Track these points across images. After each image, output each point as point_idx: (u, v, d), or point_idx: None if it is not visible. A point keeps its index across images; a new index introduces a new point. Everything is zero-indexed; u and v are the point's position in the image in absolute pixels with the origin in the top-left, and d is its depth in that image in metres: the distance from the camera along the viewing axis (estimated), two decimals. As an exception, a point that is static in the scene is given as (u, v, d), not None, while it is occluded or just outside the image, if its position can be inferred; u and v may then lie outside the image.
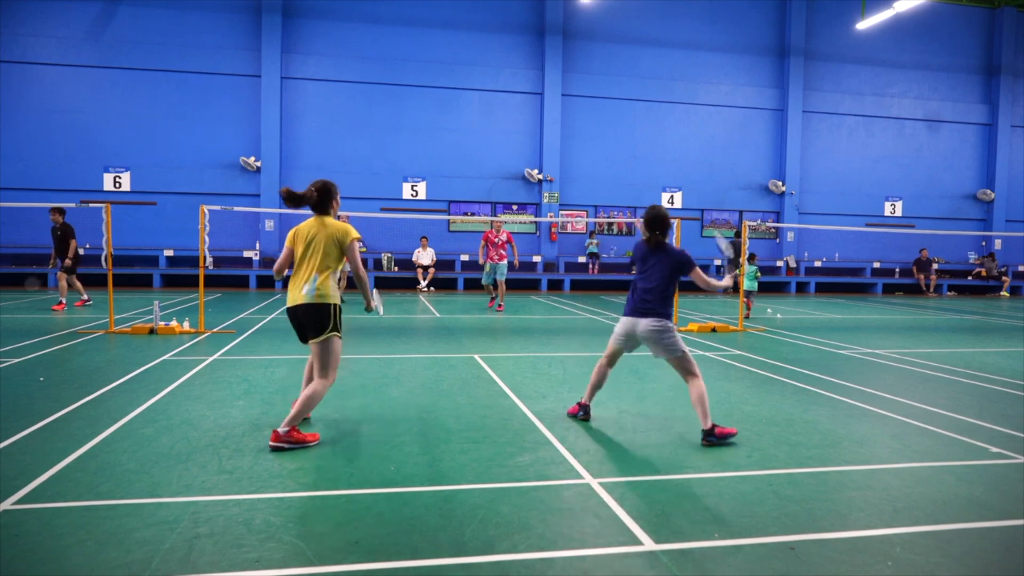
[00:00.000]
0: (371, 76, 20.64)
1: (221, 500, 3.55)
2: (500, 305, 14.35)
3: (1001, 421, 5.50)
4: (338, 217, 5.00)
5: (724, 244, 5.91)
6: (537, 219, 20.41)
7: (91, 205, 10.71)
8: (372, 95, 20.75)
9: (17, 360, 7.41)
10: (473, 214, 21.35)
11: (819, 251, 23.62)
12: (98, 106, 19.40)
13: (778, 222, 23.03)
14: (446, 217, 20.69)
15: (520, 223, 21.92)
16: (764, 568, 2.94)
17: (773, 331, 11.47)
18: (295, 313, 4.70)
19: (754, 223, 22.72)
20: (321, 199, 4.80)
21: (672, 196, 22.65)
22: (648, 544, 3.13)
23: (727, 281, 5.21)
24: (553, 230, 21.95)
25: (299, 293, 4.67)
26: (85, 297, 13.44)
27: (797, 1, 22.61)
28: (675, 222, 12.06)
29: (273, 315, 12.58)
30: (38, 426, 4.86)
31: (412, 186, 21.14)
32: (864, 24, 20.22)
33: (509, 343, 9.69)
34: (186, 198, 19.65)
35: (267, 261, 20.13)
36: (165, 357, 7.79)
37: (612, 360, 5.27)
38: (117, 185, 19.64)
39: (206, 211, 10.52)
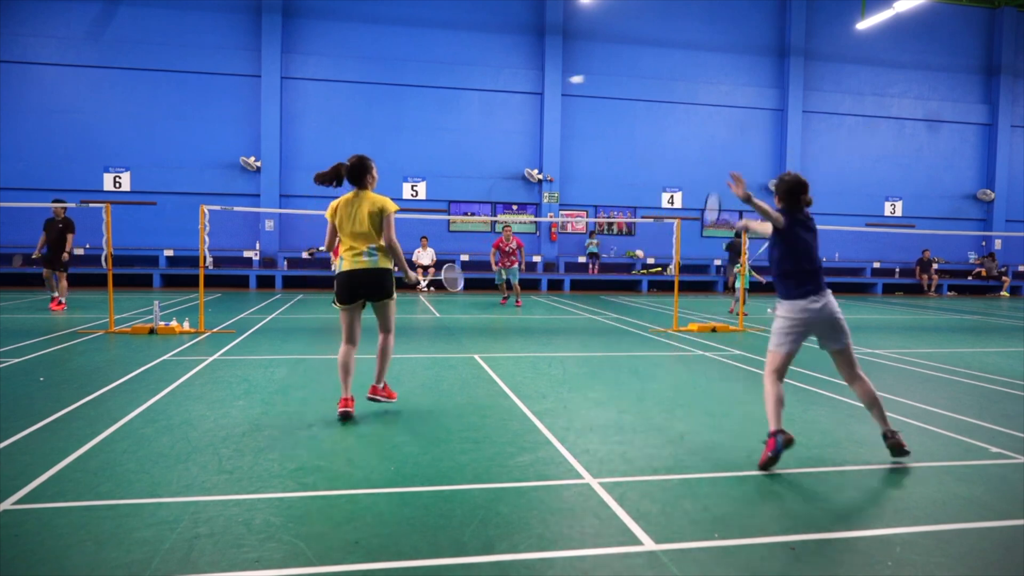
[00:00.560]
0: (371, 76, 20.64)
1: (221, 500, 3.55)
2: (518, 301, 15.29)
3: (1001, 421, 5.50)
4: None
5: (713, 202, 5.43)
6: (537, 219, 20.42)
7: (91, 205, 10.72)
8: (372, 95, 20.76)
9: (17, 360, 7.41)
10: (473, 214, 21.35)
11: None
12: (98, 106, 19.40)
13: (778, 222, 23.00)
14: (446, 217, 20.70)
15: (520, 223, 21.91)
16: (764, 568, 2.94)
17: (773, 331, 11.45)
18: (355, 276, 5.10)
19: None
20: (358, 173, 5.10)
21: (672, 196, 22.65)
22: (648, 544, 3.13)
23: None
24: (553, 230, 21.96)
25: (360, 259, 5.09)
26: (62, 298, 12.80)
27: (797, 1, 22.62)
28: (675, 222, 12.06)
29: (273, 315, 12.58)
30: (38, 426, 4.86)
31: (412, 186, 21.14)
32: (864, 24, 20.23)
33: (509, 343, 9.69)
34: (186, 198, 19.65)
35: (267, 261, 20.14)
36: (165, 357, 7.79)
37: (786, 370, 4.43)
38: (117, 185, 19.64)
39: (206, 211, 10.52)
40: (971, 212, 24.53)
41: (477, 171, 21.45)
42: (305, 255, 19.78)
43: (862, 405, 4.45)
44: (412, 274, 5.51)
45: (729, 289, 21.36)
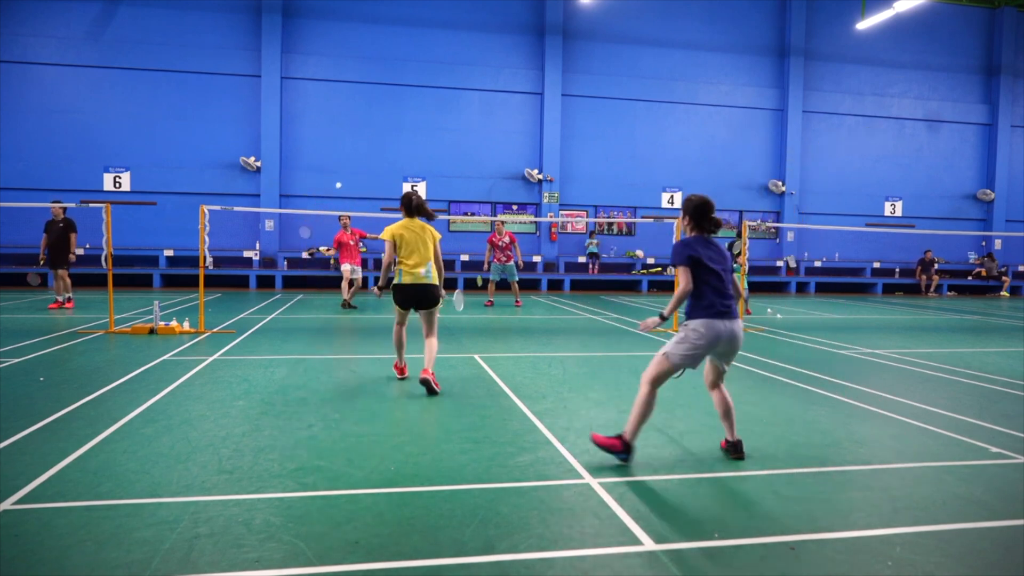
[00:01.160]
0: (371, 76, 20.64)
1: (221, 500, 3.55)
2: (518, 301, 15.29)
3: (1001, 421, 5.50)
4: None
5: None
6: (537, 219, 20.41)
7: (91, 205, 10.71)
8: (372, 95, 20.75)
9: (17, 360, 7.41)
10: (473, 214, 21.35)
11: (819, 251, 23.62)
12: (98, 106, 19.40)
13: (778, 222, 23.03)
14: (446, 217, 20.68)
15: (520, 223, 21.91)
16: (764, 568, 2.94)
17: (773, 331, 11.47)
18: (415, 289, 6.40)
19: (754, 223, 22.72)
20: (425, 211, 6.54)
21: (672, 196, 22.65)
22: (648, 544, 3.13)
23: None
24: (553, 230, 21.95)
25: (419, 274, 6.38)
26: (69, 296, 13.01)
27: (797, 1, 22.61)
28: (675, 222, 12.06)
29: (273, 315, 12.58)
30: (38, 426, 4.86)
31: (412, 186, 21.13)
32: (864, 24, 20.22)
33: (509, 343, 9.69)
34: (186, 198, 19.65)
35: (267, 261, 20.14)
36: (165, 357, 7.79)
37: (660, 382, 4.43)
38: (117, 185, 19.64)
39: (206, 211, 10.52)
40: (971, 212, 24.53)
41: (477, 171, 21.45)
42: (305, 255, 19.80)
43: (718, 411, 4.55)
44: (443, 291, 6.64)
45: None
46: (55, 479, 3.81)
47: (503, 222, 15.18)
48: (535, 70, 21.44)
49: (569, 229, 22.29)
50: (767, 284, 22.42)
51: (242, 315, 12.39)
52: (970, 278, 23.85)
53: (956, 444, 4.85)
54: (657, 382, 4.34)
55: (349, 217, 14.17)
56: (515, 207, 21.74)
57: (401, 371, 6.89)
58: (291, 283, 20.04)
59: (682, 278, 4.35)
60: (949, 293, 23.34)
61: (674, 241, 11.78)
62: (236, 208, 12.76)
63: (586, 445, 4.64)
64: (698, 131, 22.67)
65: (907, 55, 23.76)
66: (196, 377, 6.73)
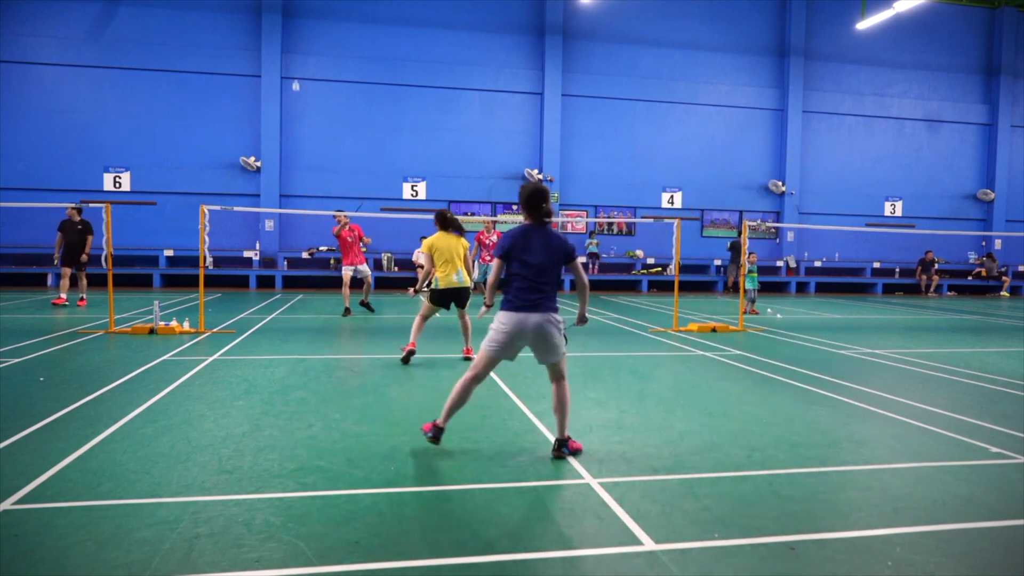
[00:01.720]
0: (371, 76, 20.64)
1: (221, 500, 3.55)
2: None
3: (1001, 421, 5.50)
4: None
5: None
6: (537, 219, 20.36)
7: (91, 205, 10.72)
8: (372, 95, 20.75)
9: (17, 360, 7.41)
10: (473, 214, 21.35)
11: (819, 251, 23.62)
12: (98, 106, 19.40)
13: (778, 222, 23.03)
14: (446, 217, 20.67)
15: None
16: (764, 568, 2.94)
17: (773, 331, 11.47)
18: (451, 292, 7.63)
19: (754, 223, 22.72)
20: (457, 226, 7.73)
21: (672, 196, 22.65)
22: (648, 544, 3.13)
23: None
24: (553, 230, 21.93)
25: (452, 280, 7.59)
26: (82, 296, 13.61)
27: (797, 1, 22.61)
28: (675, 222, 12.06)
29: (273, 315, 12.58)
30: (38, 426, 4.86)
31: (412, 186, 21.15)
32: (864, 24, 20.22)
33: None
34: (186, 198, 19.65)
35: (267, 261, 20.14)
36: (165, 357, 7.79)
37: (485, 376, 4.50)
38: (117, 185, 19.64)
39: (206, 211, 10.52)
40: (971, 212, 24.53)
41: (477, 171, 21.45)
42: (305, 255, 19.80)
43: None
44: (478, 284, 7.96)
45: (729, 289, 21.41)
46: (55, 479, 3.81)
47: (495, 222, 15.12)
48: (535, 70, 21.44)
49: (569, 229, 22.29)
50: (767, 284, 22.41)
51: (242, 315, 12.39)
52: (970, 278, 23.86)
53: (956, 444, 4.85)
54: (476, 373, 4.42)
55: (348, 217, 14.11)
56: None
57: (411, 347, 7.71)
58: (291, 283, 20.04)
59: (493, 270, 4.59)
60: (949, 293, 23.34)
61: (673, 240, 11.81)
62: (236, 208, 12.76)
63: (586, 445, 4.64)
64: (698, 131, 22.67)
65: (907, 55, 23.76)
66: (196, 377, 6.73)
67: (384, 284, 20.38)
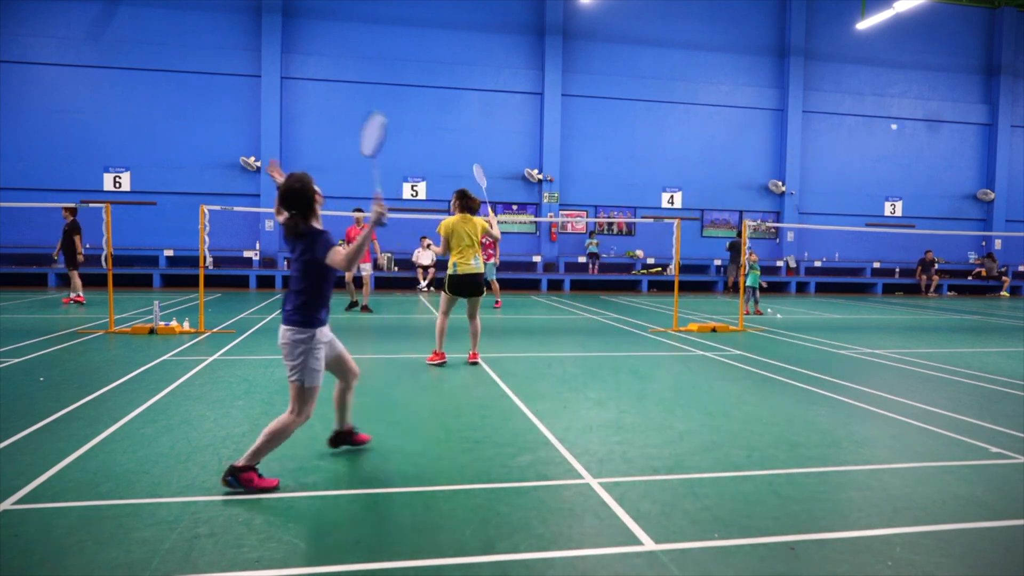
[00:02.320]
0: (371, 76, 20.64)
1: (221, 500, 3.55)
2: (498, 302, 14.77)
3: (1001, 421, 5.50)
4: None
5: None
6: (537, 219, 20.41)
7: (91, 205, 10.73)
8: (372, 95, 20.75)
9: (17, 360, 7.41)
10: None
11: (819, 251, 23.62)
12: (98, 106, 19.40)
13: (778, 222, 23.03)
14: (446, 217, 20.67)
15: (520, 223, 21.92)
16: (764, 568, 2.94)
17: (773, 331, 11.47)
18: (468, 277, 7.31)
19: (754, 223, 22.71)
20: (471, 206, 7.45)
21: (672, 196, 22.65)
22: (648, 544, 3.13)
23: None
24: (553, 230, 21.95)
25: (470, 265, 7.30)
26: (76, 295, 13.74)
27: (797, 1, 22.61)
28: (675, 222, 12.05)
29: (273, 315, 12.58)
30: (38, 426, 4.86)
31: (412, 186, 21.14)
32: (864, 24, 20.23)
33: (509, 343, 9.69)
34: (186, 198, 19.65)
35: (267, 261, 20.14)
36: (165, 357, 7.79)
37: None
38: (117, 185, 19.64)
39: (206, 211, 10.52)
40: (971, 212, 24.53)
41: (477, 171, 21.43)
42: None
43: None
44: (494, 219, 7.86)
45: (729, 289, 21.40)
46: (55, 479, 3.81)
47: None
48: (535, 70, 21.44)
49: (569, 229, 22.29)
50: (767, 284, 22.41)
51: (242, 315, 12.39)
52: (970, 278, 23.85)
53: (956, 444, 4.85)
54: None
55: (364, 216, 14.14)
56: (515, 207, 21.74)
57: (440, 356, 7.48)
58: (291, 283, 20.03)
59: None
60: (949, 293, 23.33)
61: (673, 240, 11.81)
62: (236, 208, 12.76)
63: (586, 445, 4.64)
64: (698, 131, 22.67)
65: (907, 55, 23.76)
66: (196, 377, 6.73)
67: (384, 284, 20.38)
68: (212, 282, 19.26)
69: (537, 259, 21.50)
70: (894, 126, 23.28)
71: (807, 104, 23.06)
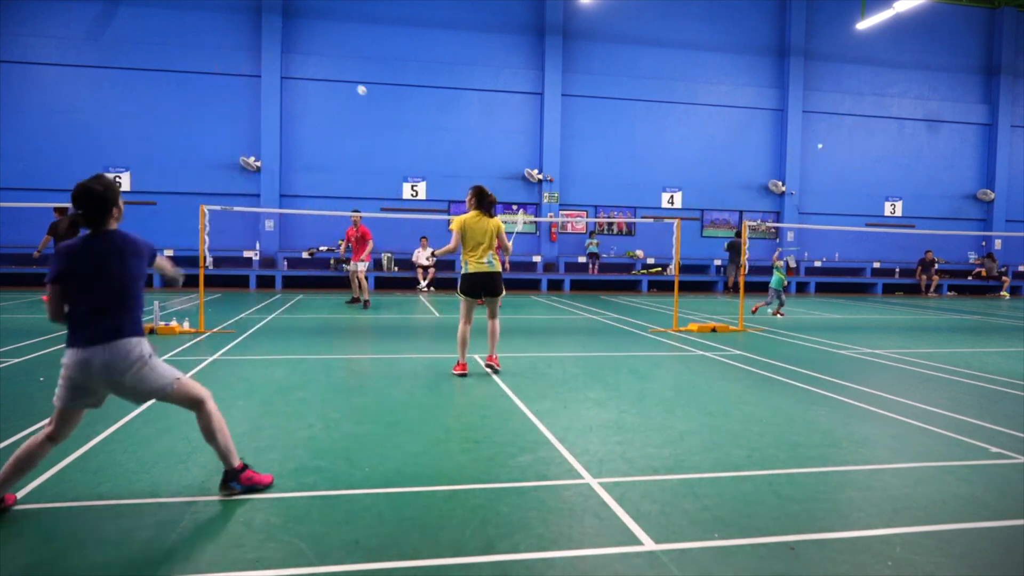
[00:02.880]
0: (371, 76, 20.63)
1: (221, 500, 3.55)
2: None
3: (1001, 421, 5.50)
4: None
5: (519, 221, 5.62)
6: (537, 219, 20.41)
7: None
8: (372, 95, 20.73)
9: (17, 360, 7.41)
10: (473, 214, 21.33)
11: (819, 251, 23.62)
12: (98, 106, 19.40)
13: (778, 222, 23.03)
14: (446, 217, 20.68)
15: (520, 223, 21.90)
16: (764, 568, 2.94)
17: (773, 331, 11.47)
18: (482, 276, 6.98)
19: (754, 223, 22.73)
20: (488, 203, 7.02)
21: (672, 196, 22.65)
22: (648, 544, 3.13)
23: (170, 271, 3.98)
24: (553, 230, 21.96)
25: (483, 264, 6.96)
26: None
27: (797, 1, 22.61)
28: (675, 222, 12.04)
29: (273, 315, 12.58)
30: (38, 426, 4.85)
31: (412, 186, 21.14)
32: (864, 24, 20.23)
33: (509, 343, 9.68)
34: (186, 198, 19.64)
35: (267, 261, 20.13)
36: (165, 357, 7.79)
37: (66, 430, 3.39)
38: (117, 185, 19.62)
39: (206, 211, 10.52)
40: (971, 212, 24.53)
41: (477, 171, 21.43)
42: (305, 255, 19.78)
43: None
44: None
45: (729, 289, 21.40)
46: (55, 479, 3.81)
47: None
48: (535, 70, 21.44)
49: (569, 229, 22.29)
50: (767, 284, 22.40)
51: (242, 315, 12.39)
52: (970, 278, 23.85)
53: (956, 444, 4.85)
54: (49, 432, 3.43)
55: (361, 217, 14.28)
56: (515, 207, 21.74)
57: (463, 368, 7.05)
58: (291, 283, 20.04)
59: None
60: (949, 293, 23.34)
61: (673, 240, 11.81)
62: (236, 208, 12.76)
63: (586, 445, 4.64)
64: (698, 131, 22.67)
65: (907, 55, 23.76)
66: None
67: (384, 284, 20.38)
68: (212, 282, 19.25)
69: (537, 259, 21.50)
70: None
71: (807, 104, 23.06)
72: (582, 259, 21.77)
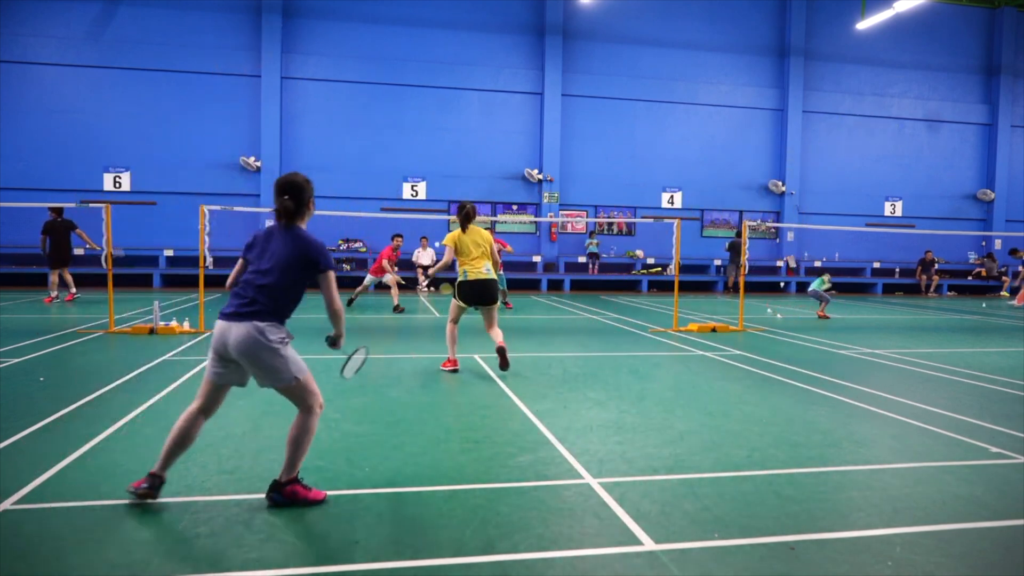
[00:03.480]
0: (371, 76, 20.64)
1: (221, 500, 3.55)
2: (508, 303, 14.84)
3: (1001, 421, 5.50)
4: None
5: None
6: (537, 219, 20.40)
7: (91, 205, 10.72)
8: (372, 95, 20.75)
9: (17, 360, 7.41)
10: (473, 214, 21.32)
11: (819, 251, 23.61)
12: (98, 106, 19.39)
13: (778, 222, 23.03)
14: (446, 217, 20.68)
15: (520, 223, 21.92)
16: (764, 568, 2.94)
17: (773, 331, 11.47)
18: (480, 284, 7.17)
19: (754, 223, 22.72)
20: (471, 219, 7.28)
21: (672, 196, 22.65)
22: (648, 544, 3.13)
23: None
24: (553, 230, 21.95)
25: (481, 270, 7.17)
26: (71, 292, 14.43)
27: (797, 1, 22.61)
28: (675, 222, 12.05)
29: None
30: (38, 426, 4.86)
31: (412, 186, 21.14)
32: (864, 24, 20.22)
33: (509, 343, 9.64)
34: (186, 198, 19.64)
35: (267, 261, 20.10)
36: (165, 357, 7.79)
37: (213, 406, 3.67)
38: (117, 185, 19.63)
39: (206, 211, 10.52)
40: (971, 212, 24.52)
41: (477, 171, 21.44)
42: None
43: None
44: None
45: (729, 289, 21.40)
46: (55, 479, 3.81)
47: (493, 222, 14.98)
48: (535, 70, 21.43)
49: (569, 229, 22.29)
50: (767, 284, 22.42)
51: (242, 315, 12.36)
52: (970, 278, 23.85)
53: (956, 444, 4.85)
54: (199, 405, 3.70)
55: (401, 240, 14.87)
56: (515, 207, 21.74)
57: (454, 364, 7.38)
58: (291, 283, 20.03)
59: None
60: (949, 293, 23.33)
61: (673, 240, 11.80)
62: (236, 208, 12.75)
63: (586, 445, 4.64)
64: (698, 131, 22.67)
65: (907, 55, 23.75)
66: (196, 377, 6.72)
67: (384, 284, 20.32)
68: (212, 282, 19.22)
69: (537, 259, 21.50)
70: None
71: (807, 104, 23.06)
72: (582, 259, 21.77)
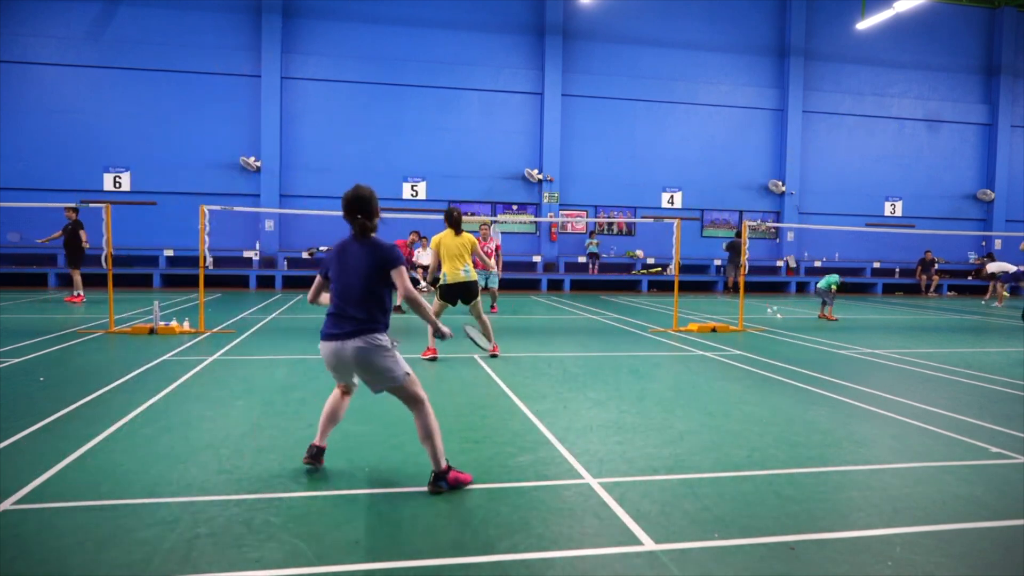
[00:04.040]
0: (371, 76, 20.64)
1: (221, 500, 3.55)
2: (494, 307, 14.24)
3: (1001, 421, 5.50)
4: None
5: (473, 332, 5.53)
6: (537, 219, 20.40)
7: (91, 205, 10.73)
8: (372, 95, 20.75)
9: (17, 360, 7.41)
10: (474, 214, 21.34)
11: (819, 251, 23.61)
12: (98, 106, 19.39)
13: (778, 222, 23.02)
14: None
15: (520, 223, 21.92)
16: (764, 568, 2.94)
17: (773, 331, 11.47)
18: (459, 286, 7.84)
19: (754, 223, 22.72)
20: (457, 223, 7.91)
21: (672, 196, 22.64)
22: (648, 544, 3.13)
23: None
24: (553, 230, 21.95)
25: (460, 274, 7.82)
26: (78, 293, 14.46)
27: (797, 1, 22.61)
28: (675, 222, 12.04)
29: (273, 315, 12.58)
30: (38, 426, 4.86)
31: (412, 186, 21.14)
32: (864, 24, 20.22)
33: (509, 343, 9.68)
34: (186, 198, 19.64)
35: (267, 261, 20.13)
36: (165, 357, 7.79)
37: (348, 389, 4.18)
38: (117, 185, 19.64)
39: (206, 211, 10.52)
40: (971, 212, 24.52)
41: (477, 171, 21.44)
42: (305, 255, 19.78)
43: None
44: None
45: (729, 289, 21.40)
46: (55, 479, 3.81)
47: (487, 225, 14.45)
48: (535, 70, 21.43)
49: (569, 229, 22.28)
50: (767, 284, 22.42)
51: (242, 315, 12.39)
52: (970, 278, 23.84)
53: (956, 444, 4.85)
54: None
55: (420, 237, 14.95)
56: (515, 207, 21.74)
57: (433, 352, 7.95)
58: (291, 283, 20.02)
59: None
60: (949, 293, 23.33)
61: (673, 240, 11.80)
62: (236, 208, 12.76)
63: (586, 445, 4.64)
64: (698, 131, 22.66)
65: (907, 55, 23.75)
66: (196, 377, 6.73)
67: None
68: (212, 282, 19.25)
69: (537, 259, 21.50)
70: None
71: (807, 104, 23.05)
72: (582, 259, 21.77)
